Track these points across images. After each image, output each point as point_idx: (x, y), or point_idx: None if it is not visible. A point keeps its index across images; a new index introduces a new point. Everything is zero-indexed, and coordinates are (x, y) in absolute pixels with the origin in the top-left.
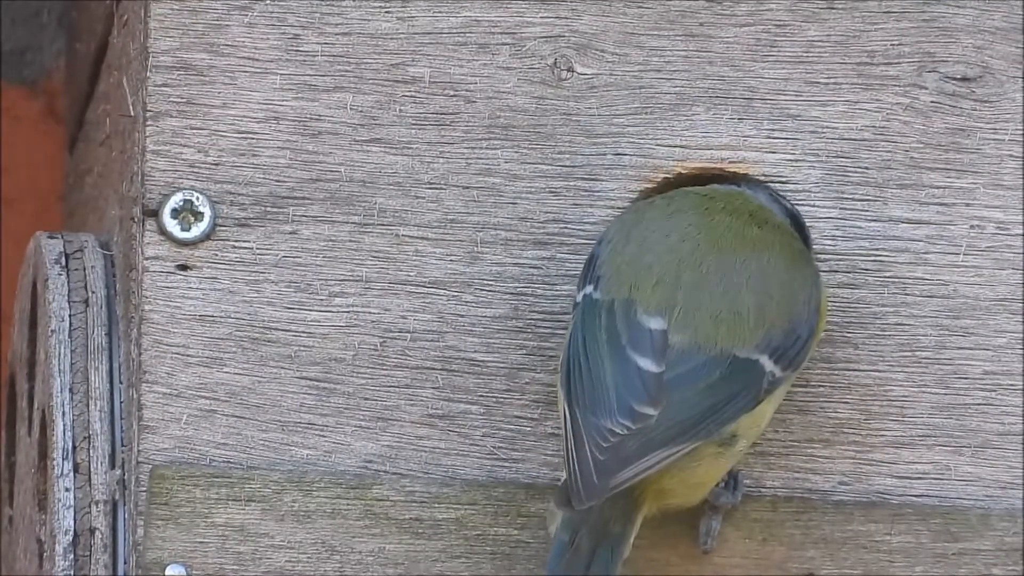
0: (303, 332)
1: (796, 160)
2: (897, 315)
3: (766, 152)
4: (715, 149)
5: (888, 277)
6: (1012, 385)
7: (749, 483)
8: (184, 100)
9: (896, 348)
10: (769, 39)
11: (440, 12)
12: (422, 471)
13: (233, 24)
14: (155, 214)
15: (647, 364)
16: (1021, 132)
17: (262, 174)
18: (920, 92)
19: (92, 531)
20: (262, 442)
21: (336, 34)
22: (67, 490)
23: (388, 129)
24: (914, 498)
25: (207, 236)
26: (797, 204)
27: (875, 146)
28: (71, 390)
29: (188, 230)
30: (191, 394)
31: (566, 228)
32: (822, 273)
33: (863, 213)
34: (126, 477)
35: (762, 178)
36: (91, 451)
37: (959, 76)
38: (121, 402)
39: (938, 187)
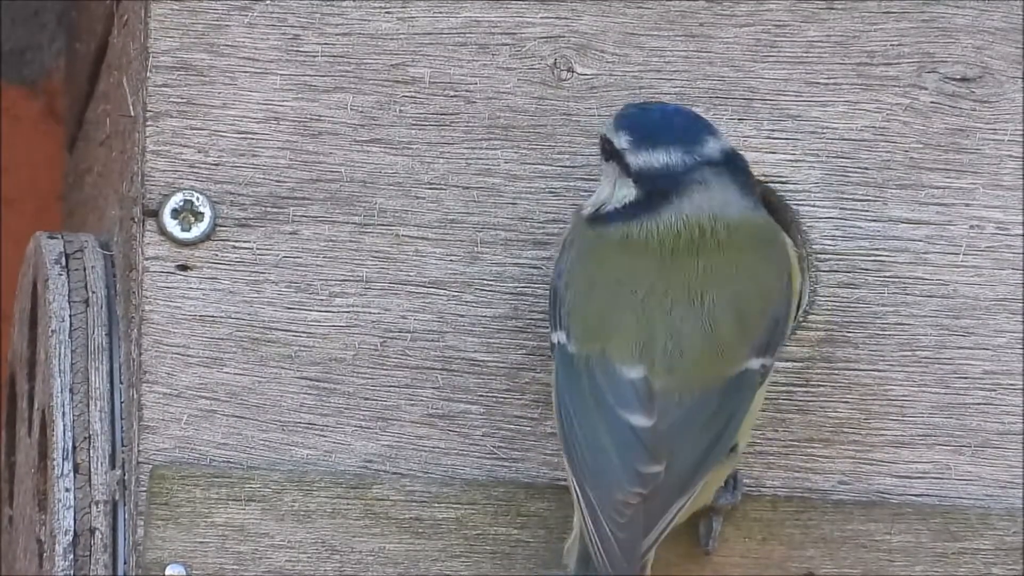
0: (303, 332)
1: (796, 160)
2: (897, 315)
3: (766, 152)
4: None
5: (888, 277)
6: (1012, 385)
7: (749, 483)
8: (184, 100)
9: (896, 348)
10: (769, 39)
11: (440, 12)
12: (422, 471)
13: (233, 24)
14: (155, 214)
15: (638, 420)
16: (1021, 132)
17: (262, 174)
18: (920, 92)
19: (92, 531)
20: (262, 442)
21: (336, 34)
22: (67, 490)
23: (388, 129)
24: (914, 497)
25: (207, 236)
26: (797, 204)
27: (875, 146)
28: (71, 390)
29: (188, 230)
30: (191, 394)
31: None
32: (822, 273)
33: (863, 213)
34: (126, 477)
35: (762, 178)
36: (91, 451)
37: (959, 76)
38: (121, 402)
39: (938, 187)
